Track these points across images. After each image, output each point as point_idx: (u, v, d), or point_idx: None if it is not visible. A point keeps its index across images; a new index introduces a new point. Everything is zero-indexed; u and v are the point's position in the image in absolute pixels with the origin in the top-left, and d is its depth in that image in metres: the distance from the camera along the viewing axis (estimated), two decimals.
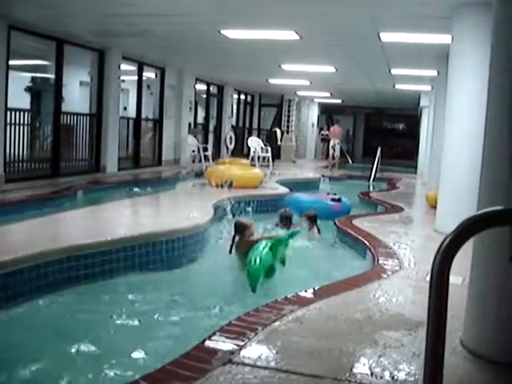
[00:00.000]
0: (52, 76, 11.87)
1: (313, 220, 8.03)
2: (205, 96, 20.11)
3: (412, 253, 6.15)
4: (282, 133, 24.53)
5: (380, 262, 5.59)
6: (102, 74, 13.09)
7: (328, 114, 30.40)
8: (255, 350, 3.20)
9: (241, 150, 22.06)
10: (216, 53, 12.92)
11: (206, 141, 19.28)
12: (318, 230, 7.99)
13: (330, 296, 4.30)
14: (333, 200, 9.82)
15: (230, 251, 6.21)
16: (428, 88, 16.16)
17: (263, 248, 5.38)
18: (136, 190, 11.56)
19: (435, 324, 1.80)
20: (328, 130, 24.18)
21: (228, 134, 20.79)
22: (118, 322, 4.40)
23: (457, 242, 1.80)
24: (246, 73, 17.16)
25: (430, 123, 14.18)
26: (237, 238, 6.25)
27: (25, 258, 4.72)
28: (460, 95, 7.17)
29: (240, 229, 6.28)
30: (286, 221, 7.84)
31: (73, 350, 3.80)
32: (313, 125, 27.60)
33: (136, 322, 4.41)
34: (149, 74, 16.10)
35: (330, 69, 14.26)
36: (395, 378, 2.93)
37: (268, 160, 18.86)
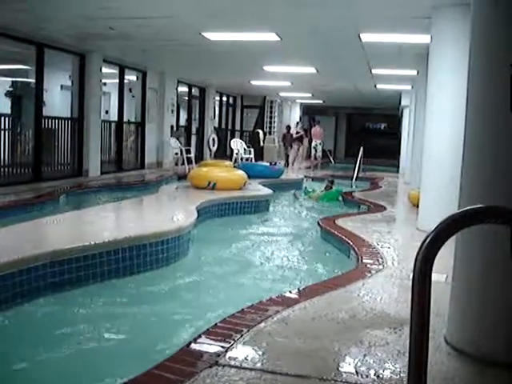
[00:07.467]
0: (33, 80, 11.78)
1: (331, 182, 13.54)
2: (187, 98, 20.07)
3: (395, 251, 6.19)
4: (265, 134, 24.51)
5: (364, 261, 5.63)
6: (83, 77, 13.02)
7: (310, 114, 30.45)
8: (241, 352, 3.20)
9: (224, 152, 22.06)
10: (197, 55, 12.91)
11: (188, 143, 19.26)
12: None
13: (315, 296, 4.30)
14: (270, 164, 15.92)
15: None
16: (408, 87, 16.28)
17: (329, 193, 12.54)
18: (119, 193, 11.48)
19: (419, 322, 1.81)
20: (306, 130, 24.09)
21: (211, 136, 20.76)
22: None
23: (439, 240, 1.81)
24: (227, 74, 17.15)
25: (411, 122, 14.27)
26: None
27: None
28: (439, 94, 7.22)
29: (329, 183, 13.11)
30: (330, 183, 13.46)
31: None
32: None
33: None
34: (130, 77, 16.04)
35: (311, 70, 14.31)
36: (380, 376, 2.94)
37: (251, 161, 18.88)
